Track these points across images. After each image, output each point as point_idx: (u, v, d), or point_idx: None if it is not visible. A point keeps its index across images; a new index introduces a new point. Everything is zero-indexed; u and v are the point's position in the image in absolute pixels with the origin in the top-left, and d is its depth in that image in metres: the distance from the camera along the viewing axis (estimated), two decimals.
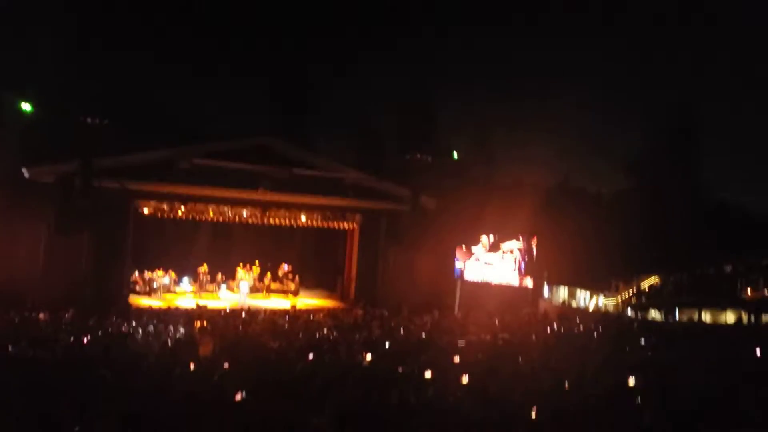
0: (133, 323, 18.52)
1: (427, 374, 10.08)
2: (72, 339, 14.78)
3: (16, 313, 18.63)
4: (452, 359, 12.78)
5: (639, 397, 7.27)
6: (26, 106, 21.93)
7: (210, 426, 5.17)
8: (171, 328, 17.59)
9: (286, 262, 26.91)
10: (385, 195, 24.78)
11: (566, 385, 8.64)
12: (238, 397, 6.17)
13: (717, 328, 21.25)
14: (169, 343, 14.24)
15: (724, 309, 23.43)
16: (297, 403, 7.06)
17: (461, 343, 16.99)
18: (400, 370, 10.90)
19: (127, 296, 22.59)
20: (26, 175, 21.00)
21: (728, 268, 26.67)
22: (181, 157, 21.68)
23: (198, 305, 21.87)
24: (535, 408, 6.57)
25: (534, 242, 24.87)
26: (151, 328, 17.64)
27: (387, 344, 15.74)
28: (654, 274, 27.97)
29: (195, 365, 10.08)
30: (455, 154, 30.39)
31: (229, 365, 9.21)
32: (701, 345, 15.30)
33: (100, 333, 16.49)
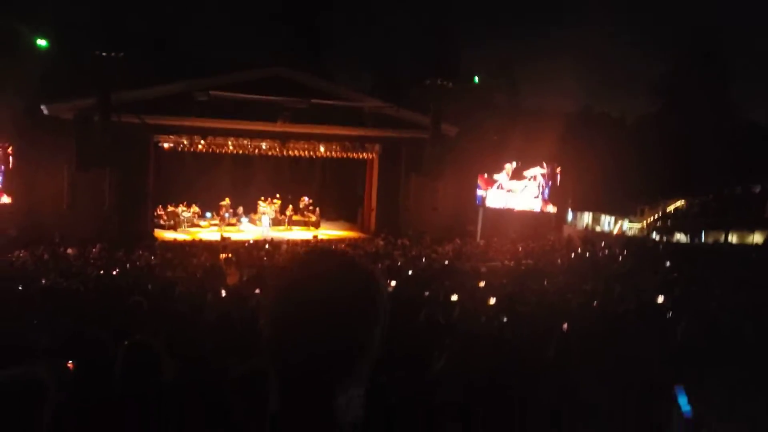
0: (160, 256, 18.85)
1: (454, 297, 10.15)
2: (101, 272, 15.04)
3: (46, 249, 18.99)
4: (477, 284, 12.85)
5: (669, 313, 7.25)
6: (42, 42, 21.69)
7: (247, 347, 5.20)
8: (197, 259, 17.87)
9: (306, 195, 26.96)
10: (404, 123, 24.46)
11: (594, 303, 8.64)
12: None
13: (744, 248, 21.07)
14: (198, 274, 14.45)
15: (751, 230, 23.17)
16: None
17: (484, 268, 17.09)
18: (425, 294, 10.97)
19: (152, 230, 22.86)
20: (45, 111, 21.00)
21: (757, 189, 26.21)
22: (199, 89, 21.45)
23: (222, 237, 22.11)
24: (565, 324, 6.56)
25: (557, 168, 24.58)
26: (177, 260, 17.93)
27: (410, 272, 15.87)
28: (680, 197, 27.66)
29: (225, 292, 10.24)
30: (477, 79, 29.76)
31: (261, 292, 9.30)
32: (728, 265, 15.20)
33: (128, 266, 16.80)
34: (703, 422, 3.45)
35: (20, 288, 9.08)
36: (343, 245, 22.10)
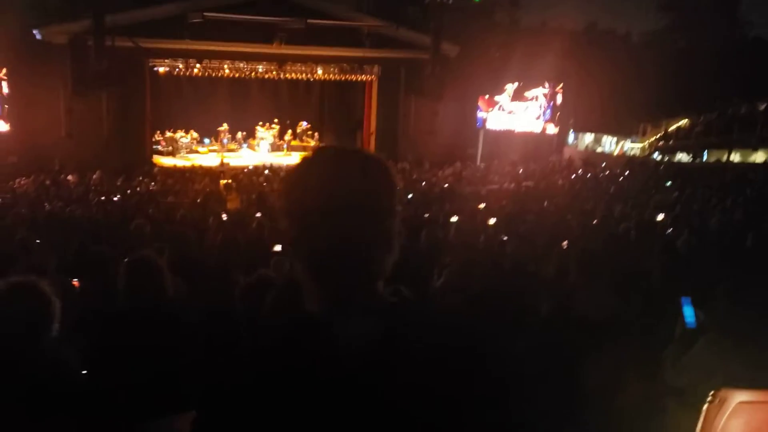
0: (160, 182, 18.84)
1: (453, 219, 10.19)
2: (103, 198, 15.07)
3: (47, 176, 18.96)
4: (477, 206, 12.88)
5: (670, 229, 7.29)
6: None
7: (251, 264, 5.26)
8: (197, 185, 17.87)
9: (305, 119, 26.67)
10: (404, 43, 23.89)
11: (594, 222, 8.68)
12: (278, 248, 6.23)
13: (747, 167, 20.99)
14: (198, 199, 14.47)
15: (755, 149, 23.02)
16: None
17: (484, 191, 17.10)
18: (425, 215, 11.01)
19: (151, 156, 22.76)
20: (38, 36, 20.51)
21: (762, 106, 25.85)
22: (193, 10, 20.87)
23: (222, 162, 22.03)
24: (566, 242, 6.61)
25: (560, 88, 24.22)
26: (178, 186, 17.92)
27: (410, 196, 15.88)
28: (683, 116, 27.35)
29: (226, 216, 10.28)
30: None
31: (262, 215, 9.33)
32: (729, 183, 15.20)
33: (128, 191, 16.81)
34: (707, 332, 3.51)
35: (23, 212, 9.09)
36: None
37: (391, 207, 1.31)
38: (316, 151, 1.39)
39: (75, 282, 4.49)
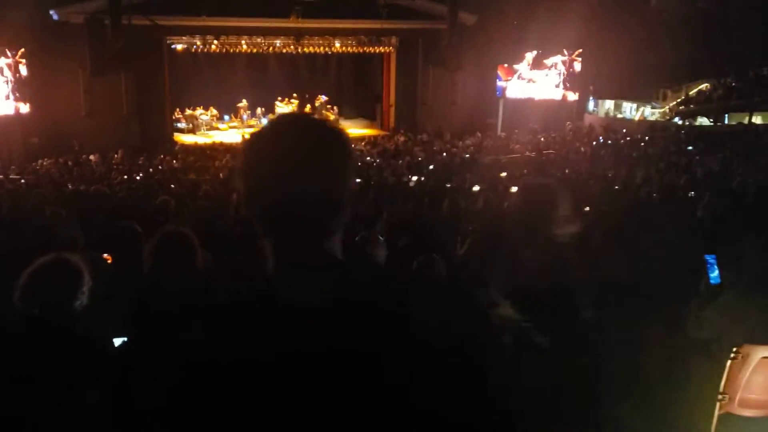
0: (181, 159, 19.01)
1: (475, 188, 10.20)
2: (125, 176, 15.25)
3: (68, 157, 19.18)
4: (498, 175, 12.86)
5: (692, 193, 7.26)
6: None
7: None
8: (218, 162, 17.98)
9: (323, 93, 26.62)
10: (421, 14, 23.65)
11: (616, 187, 8.65)
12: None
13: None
14: (220, 175, 14.59)
15: None
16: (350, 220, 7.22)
17: (505, 160, 17.04)
18: (447, 186, 11.04)
19: (172, 134, 22.91)
20: (55, 17, 20.61)
21: None
22: None
23: (243, 138, 22.12)
24: (588, 208, 6.61)
25: (579, 55, 23.90)
26: (199, 162, 18.06)
27: (431, 167, 15.88)
28: (704, 80, 26.89)
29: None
30: None
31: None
32: (750, 146, 14.99)
33: (151, 170, 16.99)
34: (730, 288, 3.53)
35: (49, 191, 9.25)
36: (363, 143, 22.05)
37: (340, 170, 1.36)
38: (274, 118, 1.48)
39: (107, 256, 4.60)
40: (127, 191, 10.43)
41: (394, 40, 24.43)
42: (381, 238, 4.49)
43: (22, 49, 19.56)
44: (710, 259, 3.55)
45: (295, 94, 26.04)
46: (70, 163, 18.35)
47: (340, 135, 1.40)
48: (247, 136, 1.42)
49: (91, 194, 9.20)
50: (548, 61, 24.43)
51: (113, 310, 3.43)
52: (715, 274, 3.53)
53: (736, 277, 3.36)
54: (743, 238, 3.34)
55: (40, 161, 18.96)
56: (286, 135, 1.37)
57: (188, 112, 24.67)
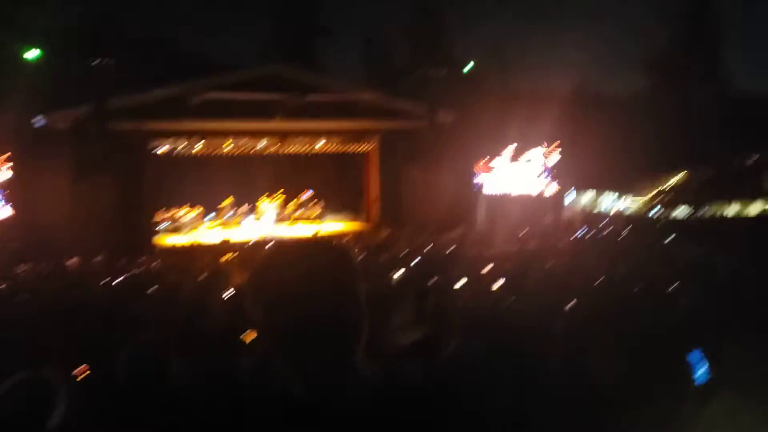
0: (162, 261, 18.86)
1: (459, 284, 10.16)
2: (105, 281, 15.04)
3: (48, 262, 18.96)
4: (482, 269, 12.86)
5: (672, 286, 7.26)
6: (33, 54, 21.63)
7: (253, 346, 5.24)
8: (200, 262, 17.87)
9: (308, 189, 26.96)
10: (401, 113, 24.42)
11: (598, 281, 8.65)
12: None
13: (744, 220, 21.07)
14: (201, 277, 14.44)
15: (752, 199, 23.18)
16: None
17: (488, 253, 17.08)
18: (430, 282, 10.98)
19: (155, 235, 22.87)
20: (40, 123, 20.97)
21: (753, 160, 26.19)
22: (193, 91, 21.41)
23: (225, 239, 22.12)
24: (570, 304, 6.58)
25: (555, 149, 24.56)
26: (180, 264, 17.93)
27: (415, 261, 15.87)
28: (678, 172, 27.63)
29: (230, 293, 10.24)
30: (469, 65, 29.68)
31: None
32: (730, 235, 15.20)
33: (131, 272, 16.80)
34: (718, 387, 3.47)
35: (26, 299, 9.09)
36: (347, 238, 22.12)
37: (349, 287, 1.42)
38: (276, 244, 1.55)
39: (81, 369, 4.46)
40: (105, 297, 10.27)
41: (375, 137, 25.06)
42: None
43: (8, 154, 19.76)
44: (696, 355, 3.51)
45: (280, 191, 26.33)
46: (50, 268, 18.13)
47: (346, 254, 1.48)
48: (253, 265, 1.48)
49: (68, 301, 9.04)
50: (525, 156, 25.06)
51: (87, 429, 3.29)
52: (702, 371, 3.47)
53: (723, 374, 3.31)
54: (727, 333, 3.32)
55: (20, 266, 18.73)
56: (297, 256, 1.43)
57: (171, 212, 24.74)
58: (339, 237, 22.55)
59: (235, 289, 11.66)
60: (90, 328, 6.15)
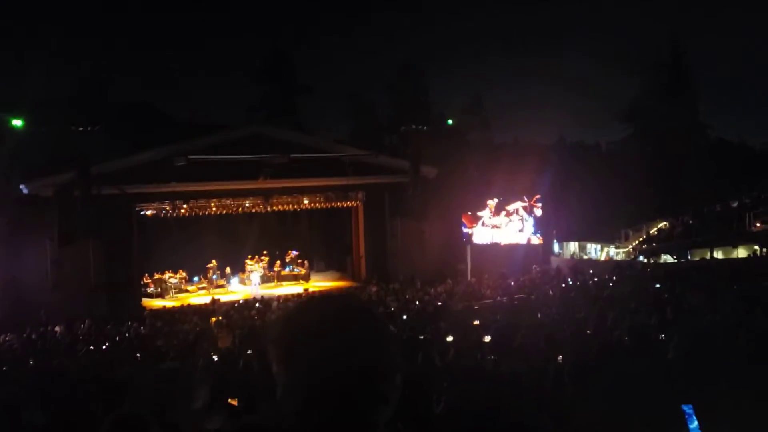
0: (149, 325, 18.61)
1: (449, 338, 10.10)
2: (91, 347, 14.82)
3: (32, 329, 18.67)
4: (471, 323, 12.79)
5: (661, 335, 7.25)
6: (17, 123, 21.75)
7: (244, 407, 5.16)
8: (187, 325, 17.66)
9: (294, 248, 26.87)
10: (385, 169, 24.64)
11: (588, 331, 8.62)
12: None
13: (730, 263, 21.21)
14: (187, 340, 14.25)
15: (735, 245, 23.39)
16: None
17: (477, 306, 17.04)
18: (420, 337, 10.89)
19: (140, 300, 22.62)
20: (25, 190, 20.94)
21: (735, 204, 26.57)
22: (177, 154, 21.50)
23: (212, 300, 21.91)
24: (561, 356, 6.54)
25: (539, 200, 24.81)
26: (167, 327, 17.70)
27: (404, 317, 15.77)
28: (662, 219, 27.90)
29: (217, 357, 10.10)
30: (450, 121, 30.19)
31: (252, 352, 9.19)
32: (716, 280, 15.27)
33: (117, 338, 16.55)
34: None
35: (5, 370, 8.91)
36: None
37: (385, 360, 1.32)
38: (310, 299, 1.45)
39: None
40: (90, 364, 10.08)
41: (360, 194, 25.17)
42: None
43: None
44: (687, 409, 3.47)
45: (265, 251, 26.21)
46: (34, 336, 17.84)
47: (370, 310, 1.41)
48: (283, 320, 1.39)
49: (52, 370, 8.88)
50: (510, 207, 25.27)
51: None
52: (694, 425, 3.44)
53: (718, 428, 3.28)
54: (718, 385, 3.30)
55: (3, 336, 18.39)
56: (326, 322, 1.34)
57: (157, 276, 24.54)
58: (326, 294, 22.41)
59: (221, 352, 11.51)
60: (74, 398, 6.02)
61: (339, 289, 23.35)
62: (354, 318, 1.34)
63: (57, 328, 18.96)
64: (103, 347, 14.81)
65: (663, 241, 26.34)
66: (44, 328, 18.87)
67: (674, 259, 24.37)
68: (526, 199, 24.91)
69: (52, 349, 15.15)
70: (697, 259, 22.80)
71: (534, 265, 24.06)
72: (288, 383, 1.32)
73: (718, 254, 23.22)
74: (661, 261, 24.28)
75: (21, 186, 20.91)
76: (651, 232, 27.62)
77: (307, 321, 1.35)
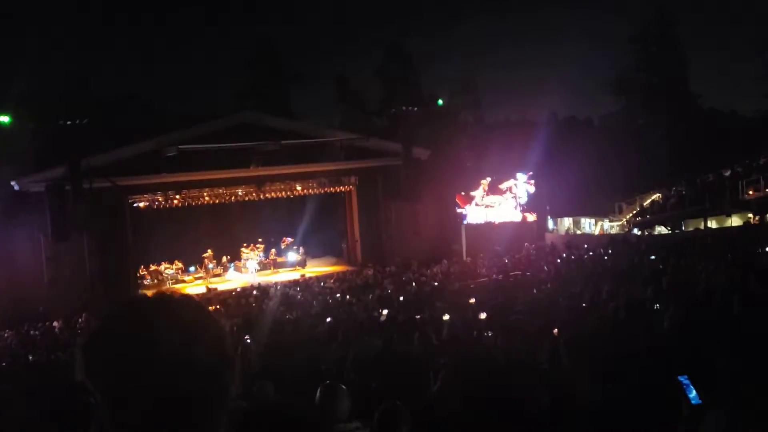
0: None
1: (445, 317, 10.12)
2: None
3: (31, 325, 18.66)
4: (467, 301, 12.83)
5: (656, 305, 7.28)
6: (3, 119, 21.58)
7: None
8: None
9: (289, 235, 26.82)
10: (376, 152, 24.58)
11: (583, 305, 8.65)
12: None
13: (724, 232, 21.27)
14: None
15: (729, 214, 23.44)
16: (320, 360, 7.10)
17: (474, 285, 17.08)
18: (417, 317, 10.93)
19: (137, 292, 22.58)
20: (16, 187, 20.83)
21: (727, 173, 26.60)
22: (167, 145, 21.39)
23: (208, 289, 21.90)
24: (556, 330, 6.57)
25: (532, 177, 24.79)
26: None
27: (401, 298, 15.80)
28: (655, 190, 27.94)
29: None
30: (440, 101, 30.07)
31: (250, 339, 9.22)
32: (711, 250, 15.33)
33: None
34: (711, 408, 3.44)
35: (3, 365, 8.90)
36: (331, 280, 21.99)
37: (215, 355, 1.17)
38: (124, 303, 1.25)
39: None
40: None
41: (353, 178, 25.12)
42: (344, 387, 4.34)
43: None
44: (684, 380, 3.47)
45: (260, 239, 26.17)
46: (32, 331, 17.84)
47: (206, 315, 1.22)
48: (92, 332, 1.20)
49: (49, 365, 8.87)
50: (503, 186, 25.26)
51: None
52: (693, 395, 3.44)
53: (716, 396, 3.28)
54: (715, 354, 3.30)
55: (2, 332, 18.39)
56: (143, 324, 1.16)
57: (153, 268, 24.49)
58: (324, 279, 22.45)
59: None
60: (72, 391, 6.00)
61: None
62: (170, 313, 1.17)
63: (55, 323, 18.97)
64: None
65: (657, 213, 26.39)
66: (42, 324, 18.87)
67: (668, 230, 24.43)
68: (519, 176, 24.90)
69: (51, 344, 15.14)
70: (691, 229, 22.86)
71: (526, 243, 24.09)
72: (103, 401, 1.15)
73: (712, 224, 23.28)
74: (656, 233, 24.34)
75: (12, 183, 20.79)
76: (644, 204, 27.66)
77: (118, 329, 1.17)
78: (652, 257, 15.42)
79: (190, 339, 1.14)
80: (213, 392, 1.16)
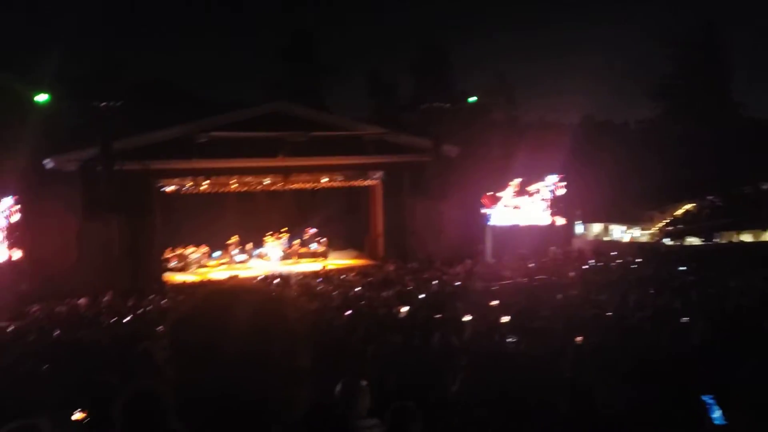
0: (170, 299, 18.78)
1: (466, 318, 10.03)
2: (113, 319, 14.99)
3: (57, 301, 18.94)
4: (489, 303, 12.70)
5: (684, 317, 7.13)
6: (42, 98, 21.91)
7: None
8: None
9: (312, 226, 26.88)
10: (405, 148, 24.48)
11: (608, 314, 8.52)
12: None
13: (759, 246, 20.83)
14: None
15: (764, 228, 22.95)
16: (339, 355, 7.08)
17: (497, 287, 16.93)
18: (438, 316, 10.86)
19: (162, 274, 22.83)
20: (49, 165, 21.14)
21: (765, 186, 26.02)
22: (199, 131, 21.55)
23: (231, 275, 22.05)
24: (580, 338, 6.46)
25: (562, 181, 24.49)
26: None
27: (422, 296, 15.72)
28: (689, 200, 27.44)
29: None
30: (473, 98, 29.80)
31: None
32: (743, 264, 15.00)
33: (139, 311, 16.73)
34: (735, 427, 3.35)
35: (31, 341, 9.04)
36: (352, 273, 21.99)
37: (286, 354, 1.21)
38: (208, 290, 1.33)
39: (79, 415, 4.38)
40: (111, 337, 10.18)
41: (380, 173, 25.04)
42: (364, 383, 4.30)
43: (17, 196, 19.91)
44: (708, 400, 3.37)
45: (285, 228, 26.28)
46: (58, 308, 18.09)
47: (282, 313, 1.26)
48: (176, 311, 1.28)
49: (75, 342, 8.98)
50: (532, 188, 25.00)
51: None
52: (717, 415, 3.34)
53: (740, 417, 3.18)
54: (740, 373, 3.20)
55: (31, 306, 18.70)
56: (221, 312, 1.22)
57: (179, 251, 24.74)
58: (345, 272, 22.45)
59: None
60: (95, 370, 6.06)
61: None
62: (250, 307, 1.23)
63: (81, 301, 19.23)
64: (124, 320, 14.96)
65: (689, 223, 25.92)
66: (70, 301, 19.15)
67: (701, 241, 23.99)
68: (549, 178, 24.61)
69: (75, 321, 15.35)
70: (724, 241, 22.42)
71: (552, 247, 23.82)
72: (174, 376, 1.23)
73: (747, 237, 22.81)
74: (687, 243, 23.93)
75: (45, 161, 21.11)
76: (677, 213, 27.19)
77: (199, 317, 1.24)
78: (682, 268, 15.16)
79: (262, 347, 1.19)
80: (274, 402, 1.19)
